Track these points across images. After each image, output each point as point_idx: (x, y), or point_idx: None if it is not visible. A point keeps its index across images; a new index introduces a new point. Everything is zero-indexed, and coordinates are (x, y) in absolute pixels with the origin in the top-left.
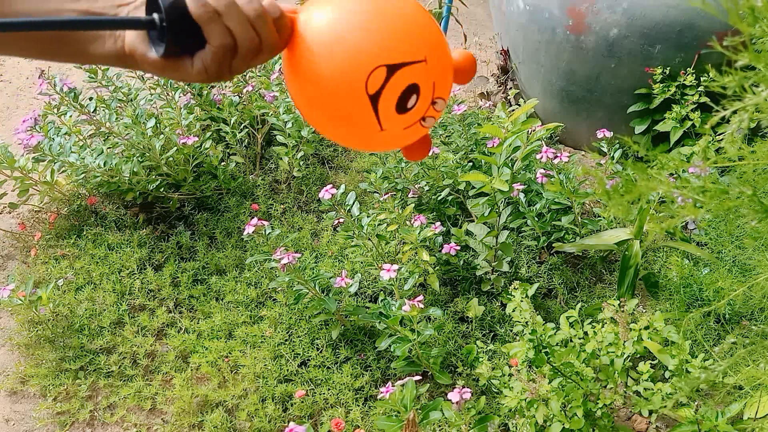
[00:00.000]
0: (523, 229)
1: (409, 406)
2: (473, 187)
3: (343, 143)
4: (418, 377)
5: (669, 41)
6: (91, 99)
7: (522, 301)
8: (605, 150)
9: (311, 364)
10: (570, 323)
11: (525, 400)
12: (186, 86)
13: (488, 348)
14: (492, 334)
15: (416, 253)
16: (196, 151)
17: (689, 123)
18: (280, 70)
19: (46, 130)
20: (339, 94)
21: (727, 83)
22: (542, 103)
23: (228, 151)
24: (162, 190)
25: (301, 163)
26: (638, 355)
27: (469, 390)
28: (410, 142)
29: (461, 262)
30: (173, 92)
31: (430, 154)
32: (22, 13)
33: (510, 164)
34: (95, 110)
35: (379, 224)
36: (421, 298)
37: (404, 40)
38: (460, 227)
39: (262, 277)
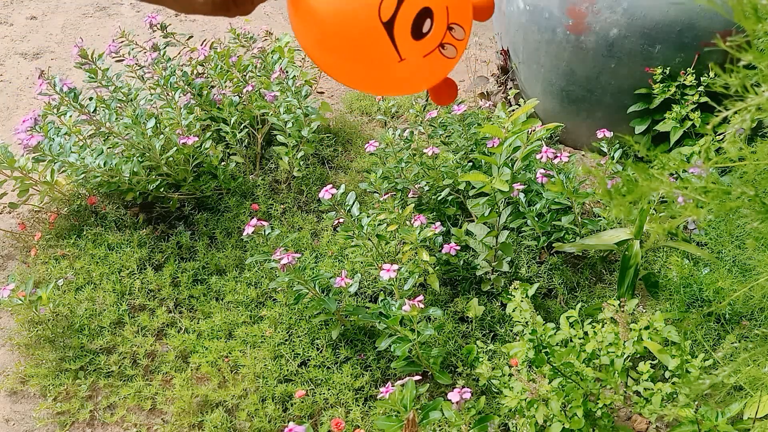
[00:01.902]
0: (523, 229)
1: (409, 406)
2: (473, 187)
3: (365, 85)
4: (418, 377)
5: (669, 41)
6: (91, 99)
7: (522, 301)
8: (605, 150)
9: (311, 364)
10: (570, 323)
11: (525, 400)
12: (186, 86)
13: (488, 348)
14: (492, 334)
15: (416, 253)
16: (196, 151)
17: (689, 123)
18: (280, 69)
19: (46, 130)
20: (354, 26)
21: (729, 82)
22: (542, 103)
23: (228, 151)
24: (162, 190)
25: (301, 163)
26: (638, 355)
27: (469, 390)
28: (435, 79)
29: (461, 262)
30: (173, 92)
31: (455, 99)
32: None
33: (510, 164)
34: (95, 110)
35: (379, 224)
36: (421, 298)
37: None
38: (460, 227)
39: (262, 277)
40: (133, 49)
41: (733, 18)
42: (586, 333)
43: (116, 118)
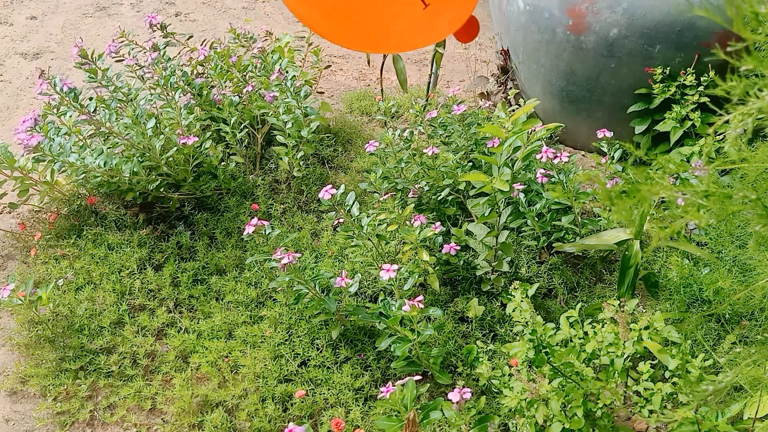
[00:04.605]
0: (523, 229)
1: (409, 406)
2: (473, 187)
3: (383, 45)
4: (418, 377)
5: (669, 41)
6: (91, 99)
7: (522, 301)
8: (605, 150)
9: (311, 364)
10: (570, 323)
11: (525, 400)
12: (186, 86)
13: (488, 348)
14: (492, 334)
15: (416, 253)
16: (196, 151)
17: (689, 123)
18: (279, 70)
19: (46, 130)
20: None
21: (731, 88)
22: (542, 103)
23: (228, 151)
24: (162, 190)
25: (301, 163)
26: (638, 355)
27: (469, 390)
28: (462, 17)
29: (461, 262)
30: (173, 92)
31: (477, 35)
32: None
33: (510, 164)
34: (95, 110)
35: (379, 224)
36: (421, 298)
37: None
38: (460, 227)
39: (262, 277)
40: (133, 49)
41: (729, 26)
42: (586, 333)
43: (116, 118)
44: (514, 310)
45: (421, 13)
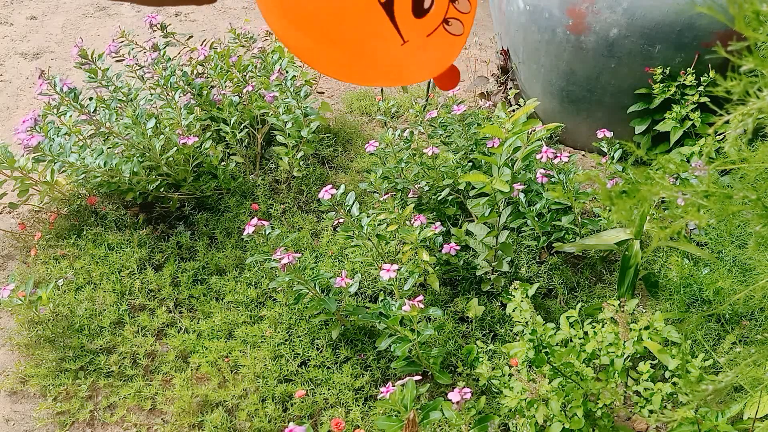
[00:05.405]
0: (523, 229)
1: (409, 406)
2: (473, 187)
3: (366, 77)
4: (418, 377)
5: (669, 41)
6: (91, 99)
7: (522, 301)
8: (605, 150)
9: (311, 364)
10: (570, 323)
11: (525, 400)
12: (186, 86)
13: (488, 348)
14: (492, 334)
15: (416, 253)
16: (196, 151)
17: (689, 123)
18: (279, 70)
19: (46, 131)
20: (351, 11)
21: (731, 88)
22: (542, 103)
23: (228, 151)
24: (162, 190)
25: (301, 163)
26: (638, 355)
27: (469, 390)
28: (442, 64)
29: (461, 262)
30: (173, 92)
31: (457, 84)
32: None
33: (510, 164)
34: (95, 110)
35: (379, 224)
36: (421, 298)
37: None
38: (460, 227)
39: (262, 277)
40: (133, 49)
41: (731, 24)
42: (586, 333)
43: (116, 118)
44: (514, 310)
45: (399, 50)
